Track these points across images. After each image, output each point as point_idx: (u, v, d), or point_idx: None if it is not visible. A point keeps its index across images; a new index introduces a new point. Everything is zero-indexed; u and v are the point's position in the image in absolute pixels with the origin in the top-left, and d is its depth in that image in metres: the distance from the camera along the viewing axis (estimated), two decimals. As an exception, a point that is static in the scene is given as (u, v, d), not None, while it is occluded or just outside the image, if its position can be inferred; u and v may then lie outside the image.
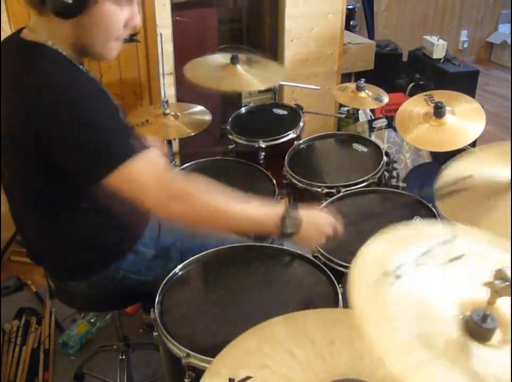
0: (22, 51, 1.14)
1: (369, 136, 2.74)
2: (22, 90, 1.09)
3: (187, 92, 2.21)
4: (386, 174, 1.90)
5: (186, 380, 1.09)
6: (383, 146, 2.73)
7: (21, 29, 1.18)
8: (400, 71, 4.00)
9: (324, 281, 1.27)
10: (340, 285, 1.23)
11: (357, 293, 0.73)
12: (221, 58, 2.19)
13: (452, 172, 1.31)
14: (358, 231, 1.55)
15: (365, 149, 1.96)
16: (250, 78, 2.07)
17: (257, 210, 1.23)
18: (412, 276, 0.76)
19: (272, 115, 2.29)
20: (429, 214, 1.55)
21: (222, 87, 2.08)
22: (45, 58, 1.12)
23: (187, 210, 1.13)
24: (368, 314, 0.70)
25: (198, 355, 1.07)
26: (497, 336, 0.71)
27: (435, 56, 3.70)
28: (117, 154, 1.08)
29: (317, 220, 1.29)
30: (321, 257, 1.43)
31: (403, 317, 0.70)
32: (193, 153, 2.41)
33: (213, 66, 2.14)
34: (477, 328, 0.70)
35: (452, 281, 0.78)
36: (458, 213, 1.17)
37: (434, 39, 3.75)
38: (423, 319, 0.71)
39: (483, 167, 1.27)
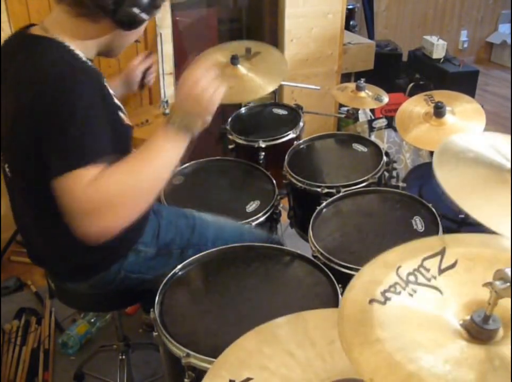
0: (30, 45, 1.15)
1: (369, 136, 2.74)
2: (24, 86, 1.09)
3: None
4: (386, 174, 1.90)
5: (186, 380, 1.09)
6: (383, 146, 2.73)
7: (28, 26, 1.19)
8: (400, 71, 4.01)
9: (324, 281, 1.27)
10: (340, 285, 1.23)
11: (343, 325, 0.72)
12: (221, 58, 2.19)
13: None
14: (358, 231, 1.55)
15: (365, 149, 1.96)
16: (254, 82, 2.05)
17: (152, 146, 1.12)
18: (401, 296, 0.75)
19: (272, 115, 2.29)
20: (429, 214, 1.55)
21: (224, 101, 2.07)
22: (51, 50, 1.12)
23: (97, 221, 1.03)
24: (354, 344, 0.68)
25: (198, 355, 1.07)
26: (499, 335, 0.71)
27: (435, 56, 3.71)
28: (66, 163, 1.03)
29: (191, 91, 1.13)
30: (321, 257, 1.43)
31: (392, 337, 0.69)
32: (193, 153, 2.41)
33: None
34: (479, 329, 0.70)
35: (447, 291, 0.77)
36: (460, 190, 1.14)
37: (434, 39, 3.75)
38: (415, 335, 0.70)
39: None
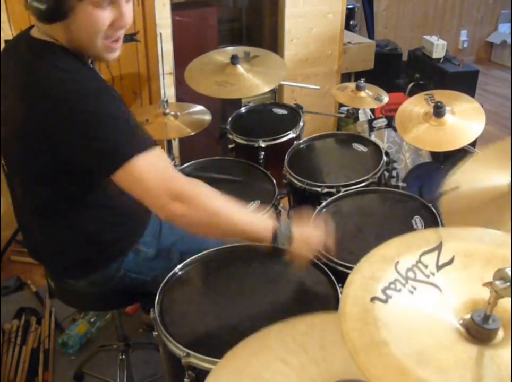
0: (32, 49, 1.16)
1: (369, 135, 2.74)
2: (30, 88, 1.10)
3: (187, 91, 2.21)
4: (386, 174, 1.90)
5: (185, 379, 1.09)
6: (383, 145, 2.73)
7: (31, 27, 1.20)
8: (400, 71, 4.00)
9: (324, 281, 1.27)
10: (340, 285, 1.23)
11: (347, 325, 0.71)
12: (221, 58, 2.20)
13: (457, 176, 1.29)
14: (358, 231, 1.55)
15: (365, 149, 1.96)
16: (253, 81, 2.07)
17: (255, 221, 1.26)
18: (402, 294, 0.75)
19: (272, 115, 2.29)
20: (429, 214, 1.55)
21: (224, 96, 2.09)
22: (54, 55, 1.13)
23: (188, 211, 1.12)
24: (360, 345, 0.68)
25: (198, 355, 1.07)
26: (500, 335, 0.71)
27: (435, 56, 3.70)
28: (122, 152, 1.08)
29: (309, 238, 1.28)
30: (321, 257, 1.43)
31: (397, 339, 0.69)
32: (193, 153, 2.41)
33: (213, 70, 2.15)
34: (479, 329, 0.70)
35: (446, 288, 0.77)
36: (461, 218, 1.16)
37: (434, 39, 3.74)
38: (419, 336, 0.70)
39: (485, 172, 1.26)
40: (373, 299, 0.74)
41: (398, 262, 0.80)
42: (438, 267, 0.80)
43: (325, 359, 0.87)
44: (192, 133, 2.01)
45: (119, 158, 1.07)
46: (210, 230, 1.20)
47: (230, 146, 2.15)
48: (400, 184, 1.85)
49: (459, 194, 1.21)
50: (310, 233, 1.30)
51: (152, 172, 1.10)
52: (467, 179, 1.26)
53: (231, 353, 0.90)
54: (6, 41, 2.20)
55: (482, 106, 1.82)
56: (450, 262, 0.80)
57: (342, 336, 0.70)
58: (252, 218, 1.27)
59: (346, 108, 2.62)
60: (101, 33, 1.13)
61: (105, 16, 1.12)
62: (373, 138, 2.55)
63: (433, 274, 0.78)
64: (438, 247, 0.82)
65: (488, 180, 1.23)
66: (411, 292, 0.75)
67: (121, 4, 1.13)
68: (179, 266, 1.32)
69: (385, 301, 0.73)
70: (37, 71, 1.11)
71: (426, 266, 0.79)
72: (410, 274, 0.78)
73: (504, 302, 0.70)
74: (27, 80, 1.12)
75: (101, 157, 1.09)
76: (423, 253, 0.81)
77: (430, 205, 1.56)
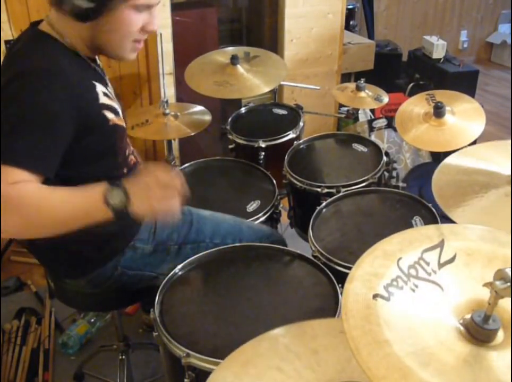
0: (30, 38, 1.18)
1: (369, 136, 2.74)
2: (7, 68, 1.13)
3: (187, 92, 2.21)
4: (386, 174, 1.90)
5: (186, 380, 1.09)
6: (383, 146, 2.73)
7: (38, 22, 1.22)
8: (400, 71, 4.00)
9: (324, 282, 1.27)
10: (340, 285, 1.23)
11: (349, 322, 0.71)
12: (221, 59, 2.20)
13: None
14: (358, 231, 1.55)
15: (365, 149, 1.96)
16: (253, 81, 2.07)
17: (81, 192, 1.09)
18: (404, 291, 0.75)
19: (272, 115, 2.29)
20: (429, 214, 1.55)
21: (224, 96, 2.09)
22: (45, 47, 1.15)
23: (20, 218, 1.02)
24: (362, 344, 0.68)
25: (198, 355, 1.07)
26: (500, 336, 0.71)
27: (435, 56, 3.70)
28: (10, 152, 1.03)
29: (149, 184, 1.09)
30: (321, 257, 1.43)
31: (399, 338, 0.68)
32: (193, 153, 2.41)
33: (213, 70, 2.15)
34: (479, 329, 0.70)
35: (448, 286, 0.77)
36: (458, 208, 1.15)
37: (434, 39, 3.74)
38: (421, 335, 0.69)
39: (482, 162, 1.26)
40: (375, 296, 0.73)
41: (400, 258, 0.80)
42: (440, 265, 0.79)
43: (319, 364, 0.87)
44: (192, 134, 2.01)
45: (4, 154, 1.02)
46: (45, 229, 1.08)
47: (230, 146, 2.15)
48: (400, 184, 1.85)
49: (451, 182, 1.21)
50: (151, 179, 1.10)
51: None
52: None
53: (222, 366, 0.89)
54: (6, 41, 2.20)
55: (482, 106, 1.82)
56: (451, 260, 0.80)
57: (344, 333, 0.70)
58: (79, 190, 1.09)
59: (346, 108, 2.62)
60: (133, 35, 1.18)
61: (140, 19, 1.16)
62: (373, 138, 2.56)
63: (435, 272, 0.78)
64: (440, 244, 0.82)
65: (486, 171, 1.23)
66: (413, 290, 0.75)
67: (154, 10, 1.18)
68: (179, 266, 1.32)
69: (387, 299, 0.73)
70: (20, 55, 1.13)
71: (428, 263, 0.79)
72: (412, 271, 0.78)
73: (504, 302, 0.70)
74: (6, 63, 1.15)
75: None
76: (425, 250, 0.81)
77: (430, 205, 1.56)
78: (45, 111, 1.08)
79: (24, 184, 1.03)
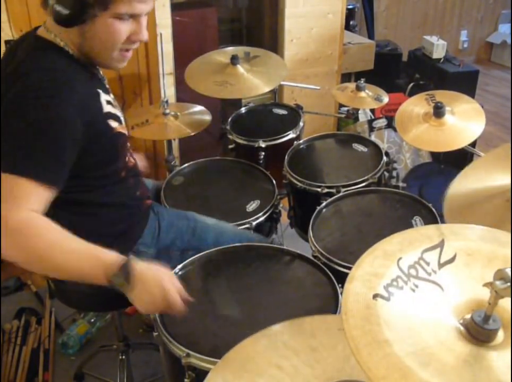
0: (31, 45, 1.17)
1: (369, 136, 2.74)
2: (9, 78, 1.12)
3: (187, 92, 2.21)
4: (386, 174, 1.90)
5: (186, 380, 1.09)
6: (383, 146, 2.73)
7: (39, 26, 1.21)
8: (400, 71, 4.00)
9: (324, 281, 1.27)
10: (340, 285, 1.23)
11: (349, 322, 0.71)
12: (221, 59, 2.20)
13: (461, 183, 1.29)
14: (358, 231, 1.55)
15: (365, 149, 1.96)
16: (253, 81, 2.08)
17: (93, 248, 1.09)
18: (404, 291, 0.75)
19: (272, 115, 2.29)
20: (429, 214, 1.55)
21: (224, 96, 2.09)
22: (45, 53, 1.14)
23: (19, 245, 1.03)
24: (362, 344, 0.68)
25: (198, 355, 1.07)
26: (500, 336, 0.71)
27: (435, 56, 3.70)
28: (6, 160, 1.04)
29: (160, 279, 1.11)
30: (321, 257, 1.43)
31: (399, 338, 0.68)
32: (193, 153, 2.41)
33: (213, 70, 2.15)
34: (479, 329, 0.70)
35: (448, 286, 0.77)
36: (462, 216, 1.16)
37: (434, 39, 3.74)
38: (421, 335, 0.69)
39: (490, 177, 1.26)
40: (375, 296, 0.73)
41: (400, 258, 0.80)
42: (440, 265, 0.79)
43: (318, 361, 0.87)
44: (192, 134, 2.01)
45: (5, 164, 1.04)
46: (47, 259, 1.07)
47: (230, 146, 2.14)
48: (400, 184, 1.85)
49: (462, 193, 1.21)
50: (163, 274, 1.12)
51: (4, 196, 1.03)
52: (470, 180, 1.26)
53: (221, 364, 0.89)
54: (6, 41, 2.20)
55: (482, 106, 1.81)
56: (451, 260, 0.80)
57: (344, 333, 0.70)
58: (91, 246, 1.09)
59: (346, 108, 2.62)
60: (118, 45, 1.15)
61: (125, 28, 1.13)
62: (373, 138, 2.56)
63: (435, 272, 0.78)
64: (441, 244, 0.82)
65: (491, 181, 1.23)
66: (413, 290, 0.75)
67: (142, 19, 1.15)
68: (179, 266, 1.32)
69: (387, 299, 0.73)
70: (22, 65, 1.12)
71: (428, 263, 0.79)
72: (412, 271, 0.78)
73: (504, 302, 0.70)
74: (8, 72, 1.13)
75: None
76: (425, 250, 0.81)
77: (430, 205, 1.56)
78: (54, 125, 1.08)
79: (38, 218, 1.04)
